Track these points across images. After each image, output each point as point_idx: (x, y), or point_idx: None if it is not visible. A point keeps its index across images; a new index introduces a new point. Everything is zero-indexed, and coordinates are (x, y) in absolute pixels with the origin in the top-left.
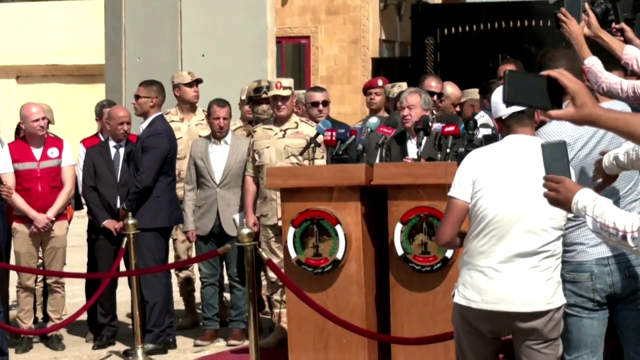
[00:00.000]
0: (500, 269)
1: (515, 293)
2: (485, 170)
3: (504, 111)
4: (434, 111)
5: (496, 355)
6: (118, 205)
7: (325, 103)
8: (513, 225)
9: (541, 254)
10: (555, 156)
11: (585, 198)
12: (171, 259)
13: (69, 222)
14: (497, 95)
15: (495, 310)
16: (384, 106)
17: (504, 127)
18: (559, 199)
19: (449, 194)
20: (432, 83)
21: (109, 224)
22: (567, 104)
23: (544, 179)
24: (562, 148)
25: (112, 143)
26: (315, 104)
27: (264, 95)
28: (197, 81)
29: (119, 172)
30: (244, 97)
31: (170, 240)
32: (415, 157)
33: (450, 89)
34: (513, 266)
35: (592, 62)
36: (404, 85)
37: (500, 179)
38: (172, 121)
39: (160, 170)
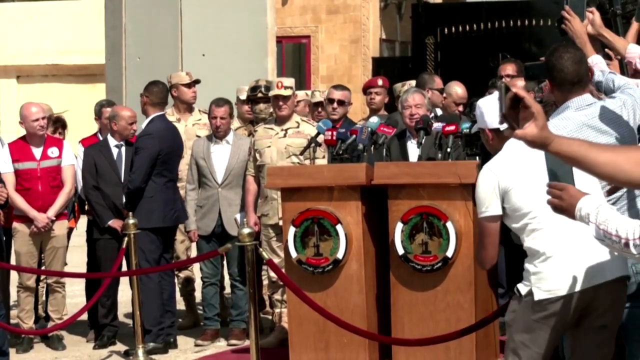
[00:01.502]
0: (572, 247)
1: (598, 266)
2: (507, 172)
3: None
4: (440, 107)
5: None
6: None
7: (341, 102)
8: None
9: None
10: (559, 162)
11: (589, 205)
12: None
13: (75, 225)
14: (489, 105)
15: (586, 288)
16: (391, 105)
17: (496, 138)
18: (562, 205)
19: (480, 217)
20: (437, 79)
21: (115, 223)
22: (528, 124)
23: (547, 186)
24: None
25: (112, 142)
26: (330, 101)
27: (259, 95)
28: (196, 82)
29: (122, 171)
30: (242, 97)
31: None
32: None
33: (457, 88)
34: (582, 241)
35: (595, 61)
36: (413, 83)
37: (525, 171)
38: (171, 122)
39: (151, 171)
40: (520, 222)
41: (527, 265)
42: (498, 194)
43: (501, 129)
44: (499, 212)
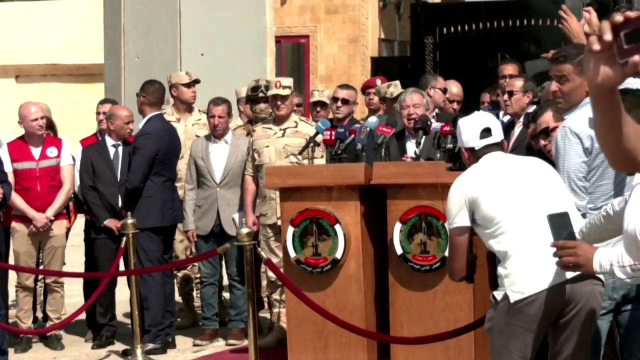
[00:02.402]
0: (539, 246)
1: None
2: (474, 183)
3: (477, 142)
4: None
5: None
6: (119, 204)
7: (345, 101)
8: (527, 207)
9: None
10: (561, 225)
11: (608, 253)
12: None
13: (72, 224)
14: (467, 125)
15: (558, 283)
16: (382, 106)
17: (472, 157)
18: (578, 262)
19: (449, 228)
20: (440, 79)
21: (111, 223)
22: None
23: (556, 247)
24: (566, 218)
25: (110, 142)
26: (335, 99)
27: (260, 95)
28: (195, 81)
29: (118, 171)
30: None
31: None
32: (414, 155)
33: (453, 87)
34: (548, 240)
35: None
36: (398, 83)
37: (493, 181)
38: (168, 121)
39: (148, 171)
40: (490, 229)
41: (499, 270)
42: (466, 205)
43: (476, 147)
44: (467, 223)
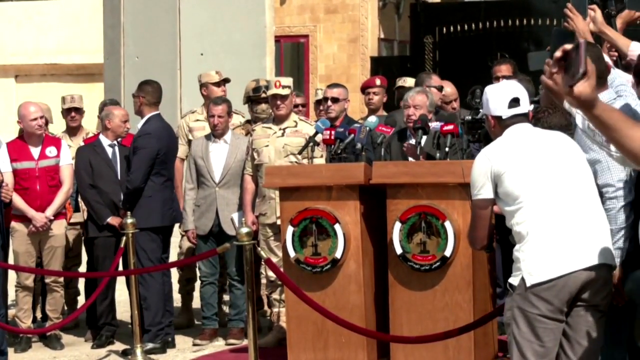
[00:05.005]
0: (559, 231)
1: (586, 250)
2: (501, 158)
3: (505, 112)
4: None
5: (557, 347)
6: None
7: (335, 100)
8: (550, 189)
9: (587, 213)
10: (565, 43)
11: None
12: (175, 257)
13: (69, 221)
14: (495, 93)
15: (576, 270)
16: (390, 104)
17: (498, 125)
18: (554, 89)
19: (474, 198)
20: (434, 77)
21: (113, 220)
22: (581, 83)
23: (546, 64)
24: (571, 36)
25: (106, 142)
26: (325, 99)
27: (262, 95)
28: (225, 80)
29: (118, 168)
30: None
31: (178, 239)
32: (413, 142)
33: (446, 88)
34: (569, 225)
35: None
36: (408, 79)
37: (519, 157)
38: (198, 120)
39: (149, 171)
40: (511, 207)
41: (515, 254)
42: (490, 178)
43: (503, 117)
44: (491, 195)
